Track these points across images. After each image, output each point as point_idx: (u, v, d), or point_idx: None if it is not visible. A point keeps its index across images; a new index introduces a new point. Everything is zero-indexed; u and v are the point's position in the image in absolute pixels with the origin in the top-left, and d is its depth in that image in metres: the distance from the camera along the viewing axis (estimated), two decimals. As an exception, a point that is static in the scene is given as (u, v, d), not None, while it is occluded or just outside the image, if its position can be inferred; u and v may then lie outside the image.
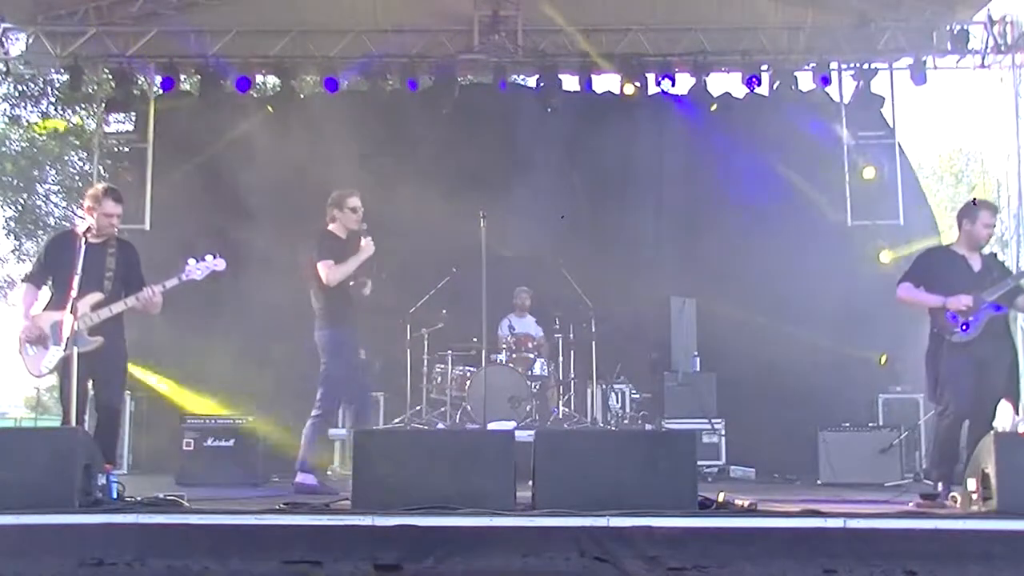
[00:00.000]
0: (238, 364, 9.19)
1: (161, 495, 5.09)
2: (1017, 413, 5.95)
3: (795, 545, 4.22)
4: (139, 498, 5.03)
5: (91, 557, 4.11)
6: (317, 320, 6.52)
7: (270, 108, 10.44)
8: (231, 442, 7.83)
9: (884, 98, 10.39)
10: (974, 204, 6.11)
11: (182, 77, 10.65)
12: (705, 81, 10.19)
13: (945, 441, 5.79)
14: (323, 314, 6.52)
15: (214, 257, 5.79)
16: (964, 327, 5.74)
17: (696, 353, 9.58)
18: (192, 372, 9.21)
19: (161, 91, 10.51)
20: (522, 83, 11.24)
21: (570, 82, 10.37)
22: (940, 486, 5.69)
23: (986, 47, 9.88)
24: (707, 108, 10.39)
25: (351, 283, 6.55)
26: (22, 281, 5.87)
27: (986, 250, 6.10)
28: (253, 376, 9.09)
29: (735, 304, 9.79)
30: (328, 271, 6.37)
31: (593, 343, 9.10)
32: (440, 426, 8.88)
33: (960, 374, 5.73)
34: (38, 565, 4.11)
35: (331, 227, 6.66)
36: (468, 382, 8.92)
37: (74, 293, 5.27)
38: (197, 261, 5.74)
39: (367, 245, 6.50)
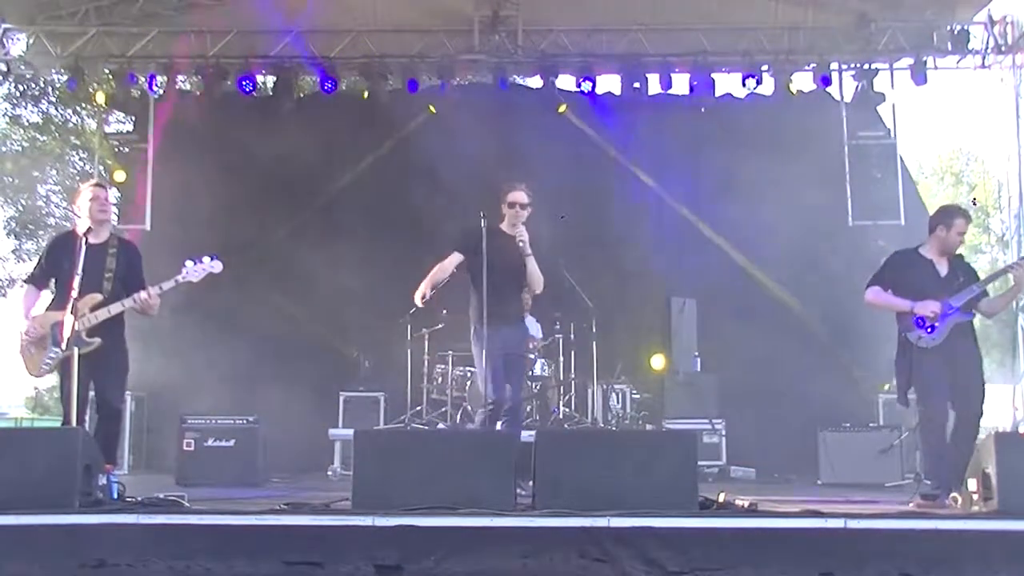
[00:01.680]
0: (239, 364, 9.19)
1: (161, 495, 5.09)
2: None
3: (795, 546, 4.22)
4: (139, 498, 5.03)
5: (92, 558, 4.11)
6: None
7: (285, 109, 10.41)
8: (231, 442, 7.82)
9: (883, 96, 10.39)
10: (953, 210, 6.14)
11: (182, 77, 10.65)
12: (706, 81, 10.20)
13: (935, 445, 5.80)
14: (470, 313, 6.15)
15: (211, 259, 5.78)
16: (930, 331, 5.79)
17: (697, 353, 9.57)
18: (194, 371, 9.19)
19: (161, 91, 10.52)
20: (522, 83, 11.23)
21: (570, 82, 10.37)
22: (944, 489, 5.69)
23: (986, 47, 9.89)
24: (710, 107, 10.37)
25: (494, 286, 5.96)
26: (24, 282, 5.91)
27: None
28: (255, 376, 9.09)
29: (735, 304, 9.81)
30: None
31: (594, 343, 9.09)
32: (440, 426, 8.88)
33: (932, 379, 5.77)
34: (39, 565, 4.11)
35: (501, 225, 6.15)
36: (468, 382, 8.92)
37: (74, 294, 5.29)
38: (195, 263, 5.74)
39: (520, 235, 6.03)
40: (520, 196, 6.10)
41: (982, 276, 6.10)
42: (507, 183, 6.22)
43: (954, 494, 5.42)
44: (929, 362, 5.80)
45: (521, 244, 5.98)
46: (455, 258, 6.09)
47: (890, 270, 6.13)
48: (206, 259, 5.76)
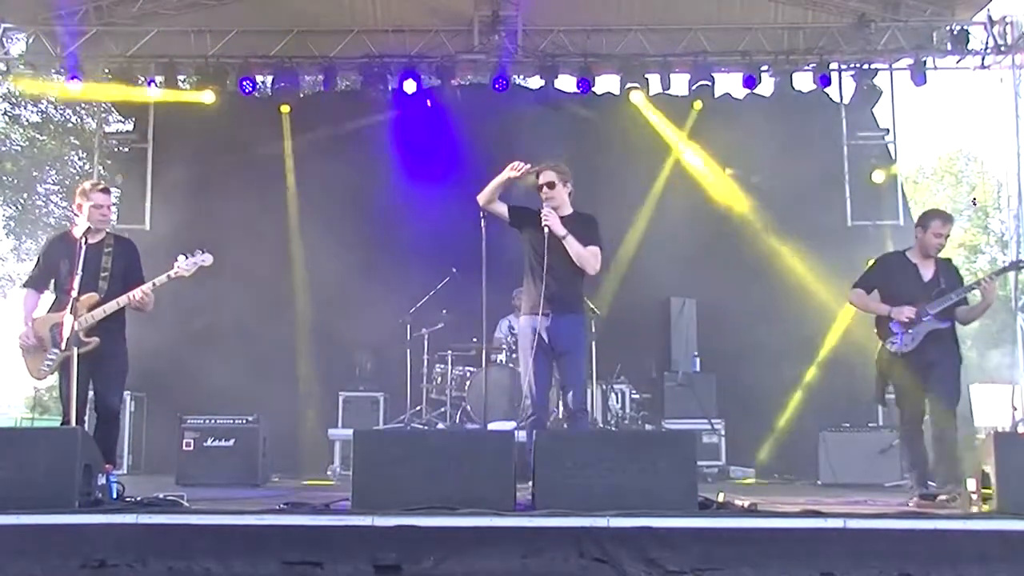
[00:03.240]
0: (239, 364, 9.19)
1: (161, 495, 5.08)
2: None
3: (795, 546, 4.22)
4: (139, 498, 5.03)
5: (92, 558, 4.11)
6: None
7: (285, 108, 10.40)
8: (231, 442, 7.81)
9: (881, 93, 10.39)
10: (930, 212, 6.18)
11: (182, 77, 10.65)
12: (708, 80, 10.21)
13: (909, 442, 5.91)
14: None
15: (202, 252, 5.78)
16: (900, 338, 5.88)
17: (696, 353, 9.58)
18: (193, 371, 9.20)
19: (161, 91, 10.51)
20: (522, 83, 11.23)
21: (570, 82, 10.37)
22: (918, 486, 5.78)
23: (986, 47, 9.89)
24: (708, 107, 10.35)
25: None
26: (23, 285, 5.92)
27: (944, 255, 6.13)
28: (254, 375, 9.08)
29: (735, 304, 9.80)
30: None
31: (593, 343, 9.08)
32: (440, 426, 8.87)
33: (905, 383, 5.87)
34: (40, 566, 4.11)
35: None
36: (468, 382, 8.92)
37: (74, 294, 5.30)
38: (186, 257, 5.74)
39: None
40: (545, 175, 5.74)
41: (968, 282, 6.15)
42: (539, 164, 5.84)
43: (948, 494, 5.50)
44: (902, 367, 5.89)
45: (545, 228, 5.61)
46: (503, 207, 5.81)
47: (875, 273, 6.25)
48: (197, 253, 5.77)
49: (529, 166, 5.67)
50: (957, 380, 5.89)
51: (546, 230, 5.62)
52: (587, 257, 5.67)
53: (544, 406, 5.72)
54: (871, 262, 6.46)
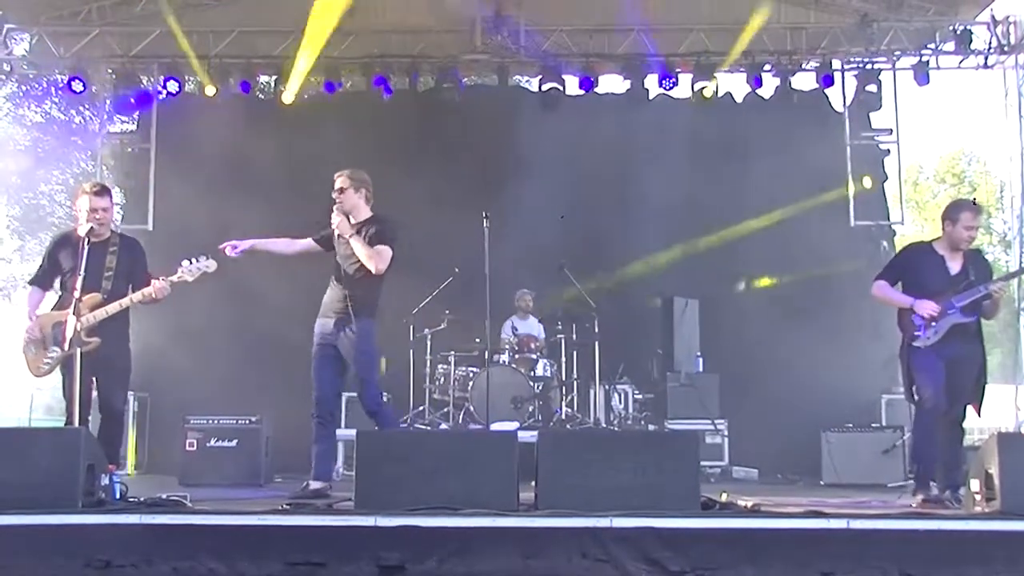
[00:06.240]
0: (242, 364, 9.20)
1: (164, 496, 5.09)
2: (979, 415, 5.86)
3: (797, 546, 4.22)
4: (142, 499, 5.03)
5: (96, 558, 4.12)
6: None
7: (281, 108, 10.40)
8: (234, 442, 7.81)
9: (881, 102, 10.38)
10: (960, 203, 6.06)
11: (185, 78, 10.66)
12: (710, 80, 10.20)
13: (923, 436, 5.75)
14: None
15: (206, 258, 5.76)
16: (922, 332, 5.72)
17: (699, 354, 9.58)
18: (196, 371, 9.21)
19: (164, 91, 10.53)
20: (524, 84, 11.24)
21: (572, 82, 10.37)
22: (921, 482, 5.70)
23: (989, 47, 9.89)
24: (710, 108, 10.34)
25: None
26: (29, 283, 5.94)
27: (973, 245, 5.97)
28: (257, 376, 9.09)
29: (738, 305, 9.80)
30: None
31: (596, 344, 9.09)
32: (443, 427, 8.88)
33: (931, 370, 5.70)
34: (44, 566, 4.12)
35: None
36: (471, 383, 8.91)
37: (77, 294, 5.31)
38: (191, 262, 5.73)
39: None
40: (337, 182, 6.07)
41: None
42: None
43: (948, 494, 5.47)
44: (924, 357, 5.73)
45: (336, 232, 5.94)
46: (308, 243, 6.21)
47: (899, 264, 6.07)
48: (202, 258, 5.76)
49: (235, 244, 6.10)
50: (979, 380, 5.75)
51: (336, 233, 5.93)
52: (370, 256, 5.88)
53: (324, 401, 5.97)
54: (896, 253, 6.25)
